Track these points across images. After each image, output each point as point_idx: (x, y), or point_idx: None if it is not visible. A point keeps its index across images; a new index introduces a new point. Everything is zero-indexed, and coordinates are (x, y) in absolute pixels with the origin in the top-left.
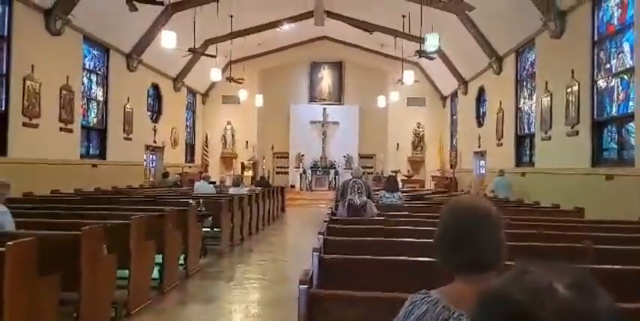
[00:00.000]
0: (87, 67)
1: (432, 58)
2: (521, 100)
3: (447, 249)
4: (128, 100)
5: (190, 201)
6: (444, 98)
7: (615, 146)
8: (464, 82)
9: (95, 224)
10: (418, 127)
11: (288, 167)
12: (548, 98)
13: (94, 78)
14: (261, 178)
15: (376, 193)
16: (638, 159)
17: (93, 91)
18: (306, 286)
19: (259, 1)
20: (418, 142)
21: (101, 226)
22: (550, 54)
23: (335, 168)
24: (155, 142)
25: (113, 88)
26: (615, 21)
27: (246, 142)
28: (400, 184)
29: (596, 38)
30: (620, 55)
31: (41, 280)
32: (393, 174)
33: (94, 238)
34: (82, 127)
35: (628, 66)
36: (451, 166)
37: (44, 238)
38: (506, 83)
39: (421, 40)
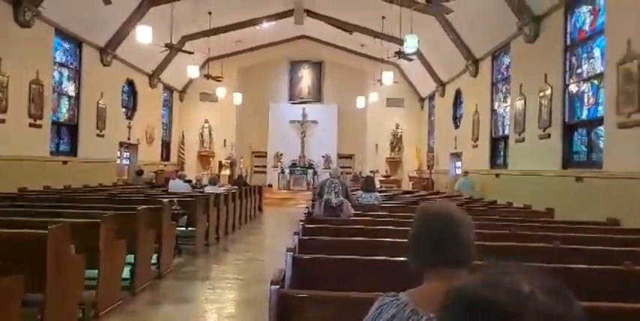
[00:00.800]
0: (58, 60)
1: (410, 60)
2: (497, 103)
3: (421, 247)
4: (102, 95)
5: (164, 199)
6: (422, 100)
7: (585, 149)
8: (442, 84)
9: (63, 223)
10: (397, 127)
11: (266, 166)
12: (522, 101)
13: (65, 72)
14: (239, 177)
15: (354, 193)
16: (606, 162)
17: (64, 85)
18: (277, 286)
19: None
20: (396, 142)
21: (68, 225)
22: (524, 58)
23: (313, 168)
24: (129, 139)
25: (86, 83)
26: (587, 27)
27: (224, 141)
28: (378, 185)
29: (568, 43)
30: (590, 61)
31: (3, 280)
32: (371, 174)
33: (61, 237)
34: (53, 122)
35: (598, 71)
36: (428, 167)
37: (8, 236)
38: (482, 86)
39: (400, 41)
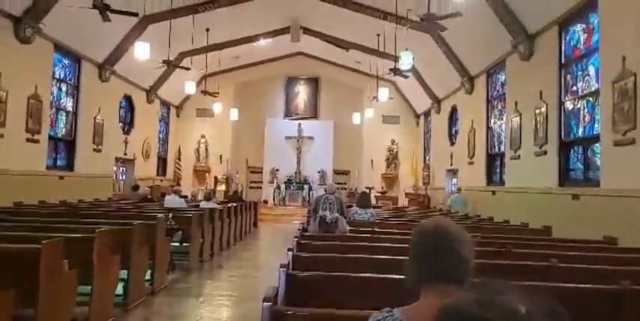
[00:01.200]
0: (57, 76)
1: (406, 77)
2: (492, 120)
3: (417, 263)
4: (99, 110)
5: (159, 215)
6: (418, 116)
7: (581, 167)
8: (437, 101)
9: (57, 237)
10: (392, 144)
11: (262, 182)
12: (518, 118)
13: (64, 88)
14: (234, 192)
15: (349, 209)
16: (603, 180)
17: (62, 101)
18: (270, 303)
19: (236, 16)
20: (392, 159)
21: (62, 240)
22: (519, 75)
23: (309, 183)
24: (126, 154)
25: (84, 99)
26: (581, 45)
27: (220, 156)
28: (374, 201)
29: (563, 61)
30: (585, 78)
31: None
32: (366, 190)
33: (54, 252)
34: (50, 137)
35: (593, 89)
36: (424, 184)
37: (1, 251)
38: (477, 103)
39: (396, 58)
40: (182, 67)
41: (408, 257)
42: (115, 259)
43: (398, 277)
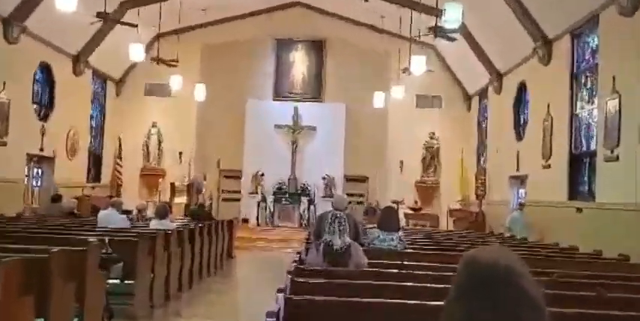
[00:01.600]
0: None
1: (452, 40)
2: (579, 104)
3: (469, 310)
4: (4, 86)
5: (90, 238)
6: (469, 98)
7: None
8: (498, 76)
9: None
10: (431, 137)
11: (240, 192)
12: (616, 102)
13: None
14: (200, 206)
15: (367, 232)
16: None
17: None
18: None
19: None
20: (430, 160)
21: None
22: (619, 38)
23: (309, 195)
24: (42, 149)
25: None
26: None
27: (180, 154)
28: (403, 221)
29: None
30: None
31: None
32: (393, 205)
33: None
34: None
35: None
36: (477, 197)
37: None
38: (556, 78)
39: (438, 12)
40: (125, 24)
41: (448, 299)
42: (27, 301)
43: None
